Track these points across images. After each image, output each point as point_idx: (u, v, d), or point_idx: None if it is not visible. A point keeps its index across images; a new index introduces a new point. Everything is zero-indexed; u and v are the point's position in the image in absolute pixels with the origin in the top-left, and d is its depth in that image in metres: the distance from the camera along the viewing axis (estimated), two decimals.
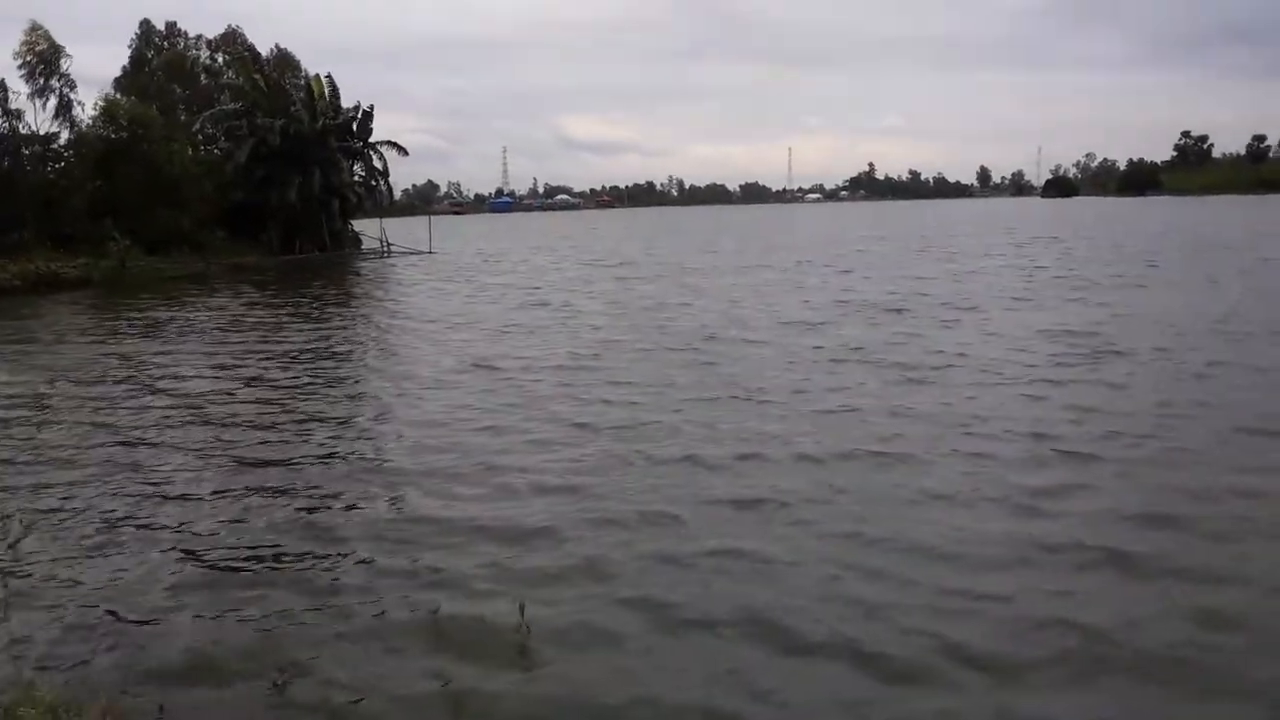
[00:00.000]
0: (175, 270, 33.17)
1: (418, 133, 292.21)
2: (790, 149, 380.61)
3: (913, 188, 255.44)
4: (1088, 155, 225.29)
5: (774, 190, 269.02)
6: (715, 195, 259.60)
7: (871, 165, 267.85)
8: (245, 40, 50.77)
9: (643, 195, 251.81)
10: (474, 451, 8.92)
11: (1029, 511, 6.81)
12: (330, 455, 9.06)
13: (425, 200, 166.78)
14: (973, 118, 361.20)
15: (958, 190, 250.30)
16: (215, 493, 7.96)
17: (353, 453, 9.16)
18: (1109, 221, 59.05)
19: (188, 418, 10.75)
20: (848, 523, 6.71)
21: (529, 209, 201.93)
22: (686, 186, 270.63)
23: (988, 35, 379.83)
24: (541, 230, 77.70)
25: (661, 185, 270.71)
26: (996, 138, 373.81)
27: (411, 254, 43.89)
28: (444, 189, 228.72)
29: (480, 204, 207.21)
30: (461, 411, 10.64)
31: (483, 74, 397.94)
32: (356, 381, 13.22)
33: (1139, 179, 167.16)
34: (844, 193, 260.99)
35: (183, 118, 45.44)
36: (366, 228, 46.40)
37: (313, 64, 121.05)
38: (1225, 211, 69.36)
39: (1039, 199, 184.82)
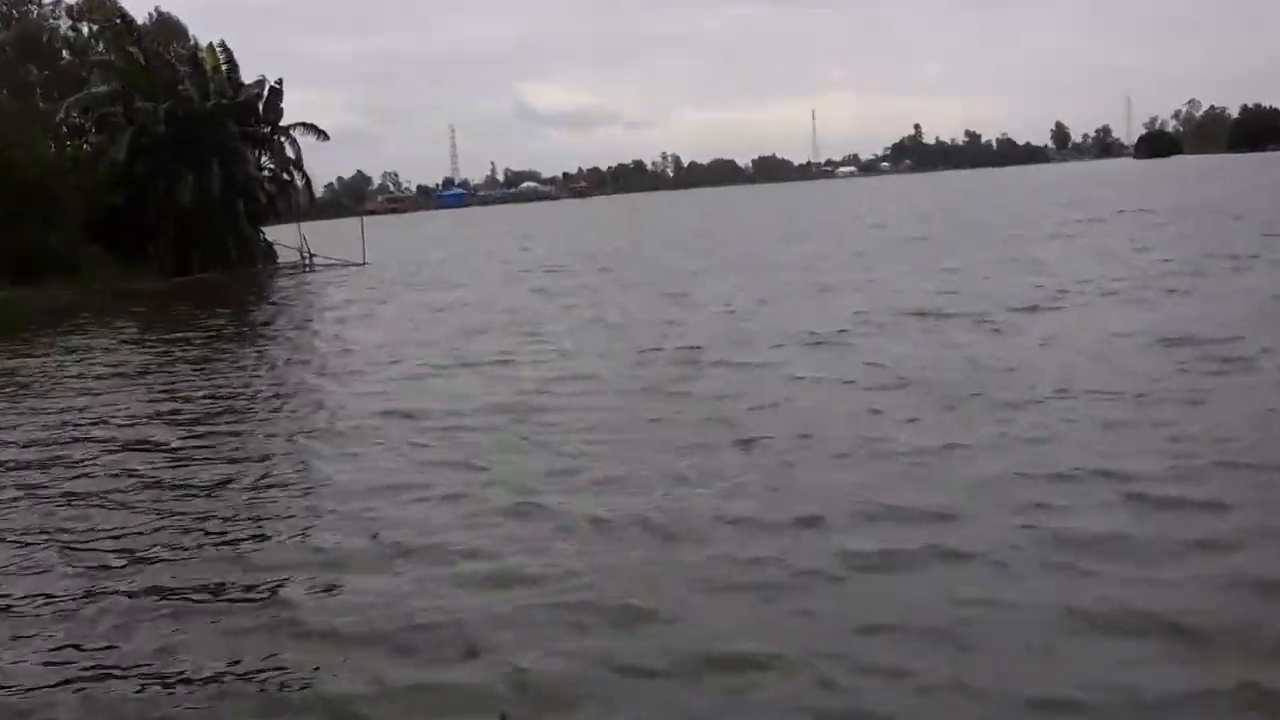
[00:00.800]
0: (40, 300, 31.76)
1: (343, 111, 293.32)
2: (813, 111, 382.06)
3: (971, 153, 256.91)
4: (1190, 103, 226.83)
5: (796, 165, 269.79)
6: (722, 174, 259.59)
7: (918, 128, 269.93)
8: (116, 5, 50.85)
9: (630, 178, 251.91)
10: (389, 527, 8.75)
11: None
12: (198, 544, 8.82)
13: (355, 197, 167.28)
14: (1041, 63, 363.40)
15: (1028, 155, 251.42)
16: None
17: (223, 536, 8.94)
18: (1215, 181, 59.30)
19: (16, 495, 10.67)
20: None
21: (487, 201, 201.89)
22: (685, 165, 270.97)
23: None
24: (500, 229, 77.66)
25: (654, 165, 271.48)
26: (1077, 90, 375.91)
27: (340, 267, 43.53)
28: (378, 181, 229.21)
29: (426, 198, 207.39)
30: (377, 476, 10.52)
31: (416, 33, 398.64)
32: (243, 444, 12.98)
33: (1255, 130, 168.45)
34: (885, 164, 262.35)
35: (41, 105, 45.29)
36: (283, 235, 45.86)
37: (203, 31, 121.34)
38: None
39: (1131, 160, 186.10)
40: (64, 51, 51.66)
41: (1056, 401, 11.23)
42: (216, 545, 8.66)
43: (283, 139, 45.12)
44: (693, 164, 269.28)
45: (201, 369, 18.64)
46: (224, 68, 43.33)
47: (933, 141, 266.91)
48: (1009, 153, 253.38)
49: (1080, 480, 8.51)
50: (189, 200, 39.62)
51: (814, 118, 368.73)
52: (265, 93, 44.47)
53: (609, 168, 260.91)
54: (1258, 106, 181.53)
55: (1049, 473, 8.73)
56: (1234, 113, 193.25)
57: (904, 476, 9.06)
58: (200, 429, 13.55)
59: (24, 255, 34.00)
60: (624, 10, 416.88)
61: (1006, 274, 23.77)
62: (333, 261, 44.54)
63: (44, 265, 34.54)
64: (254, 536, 8.85)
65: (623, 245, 46.23)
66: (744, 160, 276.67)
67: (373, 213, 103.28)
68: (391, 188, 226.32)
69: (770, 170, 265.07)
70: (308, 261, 44.58)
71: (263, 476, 10.79)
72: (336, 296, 32.59)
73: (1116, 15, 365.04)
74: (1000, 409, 11.11)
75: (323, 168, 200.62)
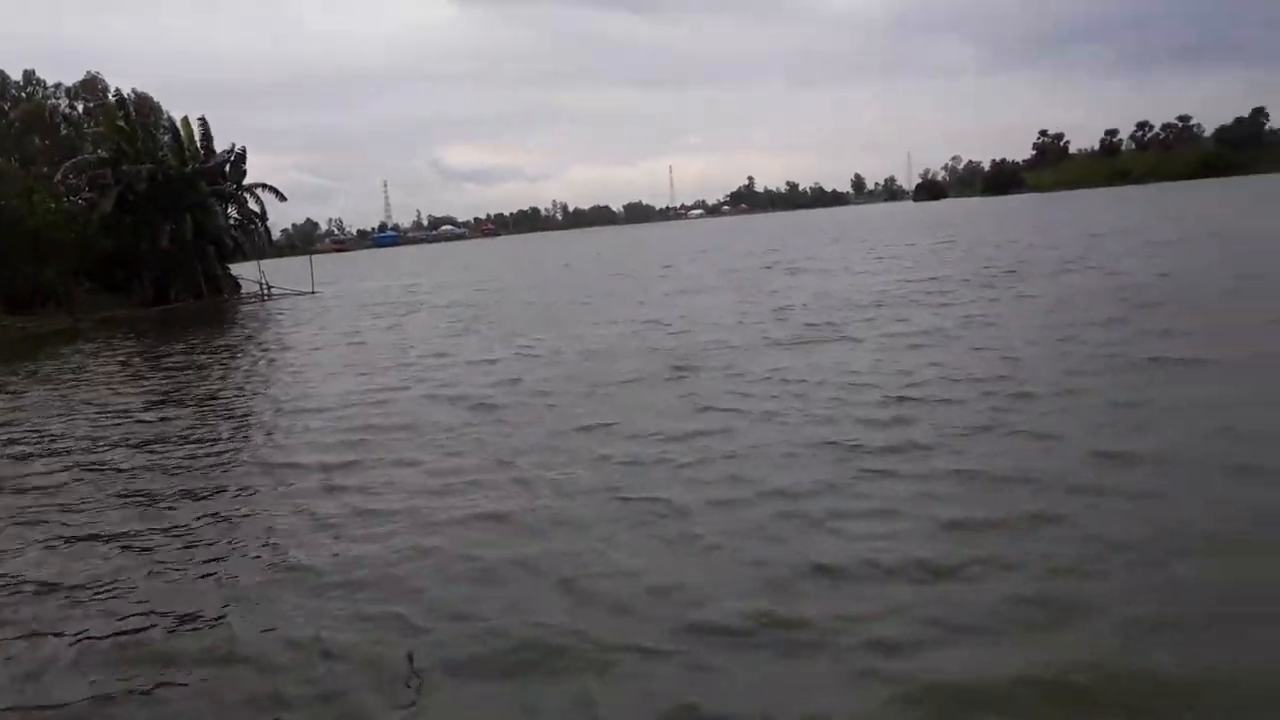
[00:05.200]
0: (40, 328, 31.87)
1: (295, 171, 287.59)
2: (671, 167, 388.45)
3: (791, 198, 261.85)
4: (954, 158, 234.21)
5: (658, 208, 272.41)
6: (600, 217, 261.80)
7: (750, 179, 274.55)
8: (105, 85, 49.18)
9: (526, 221, 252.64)
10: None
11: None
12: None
13: (306, 239, 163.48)
14: (842, 129, 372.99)
15: (834, 199, 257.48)
16: None
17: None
18: (964, 219, 61.58)
19: None
20: None
21: (414, 241, 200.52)
22: (570, 210, 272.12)
23: (843, 49, 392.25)
24: (416, 262, 77.18)
25: (546, 210, 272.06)
26: (867, 147, 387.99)
27: (293, 294, 43.15)
28: (325, 227, 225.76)
29: (364, 239, 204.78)
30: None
31: (358, 108, 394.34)
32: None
33: (1003, 178, 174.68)
34: (725, 207, 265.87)
35: (44, 169, 43.82)
36: (246, 270, 45.32)
37: (175, 106, 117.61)
38: (1078, 203, 73.17)
39: (910, 202, 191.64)
40: (62, 126, 49.81)
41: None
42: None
43: (247, 195, 44.37)
44: (577, 209, 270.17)
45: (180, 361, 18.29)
46: (199, 137, 42.46)
47: (762, 189, 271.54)
48: (820, 197, 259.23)
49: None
50: (167, 244, 38.80)
51: (671, 171, 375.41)
52: (232, 158, 43.68)
53: (511, 213, 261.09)
54: (1004, 160, 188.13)
55: None
56: (986, 165, 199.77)
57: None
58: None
59: (23, 289, 33.68)
60: (526, 90, 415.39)
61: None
62: (286, 291, 44.01)
63: (43, 298, 34.21)
64: None
65: (501, 275, 46.10)
66: (617, 206, 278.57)
67: (321, 252, 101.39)
68: (336, 231, 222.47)
69: (637, 213, 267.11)
70: (266, 292, 43.87)
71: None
72: (287, 314, 32.12)
73: (900, 91, 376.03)
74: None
75: (278, 216, 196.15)
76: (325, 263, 63.05)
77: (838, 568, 5.85)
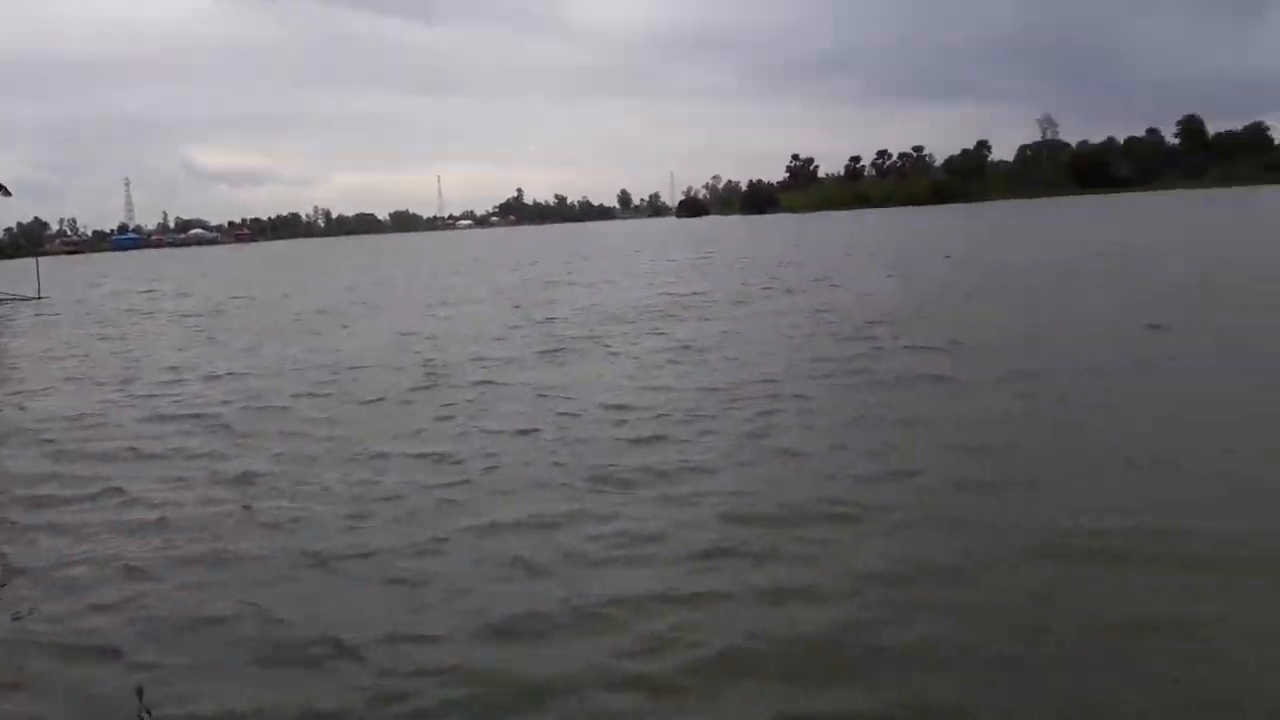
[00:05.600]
0: None
1: (20, 166, 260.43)
2: (439, 176, 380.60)
3: (560, 211, 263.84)
4: (714, 177, 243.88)
5: (426, 218, 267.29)
6: (365, 225, 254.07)
7: (520, 191, 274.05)
8: None
9: (286, 227, 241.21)
10: None
11: None
12: None
13: (34, 240, 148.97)
14: (610, 144, 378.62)
15: (601, 213, 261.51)
16: None
17: None
18: (686, 237, 63.78)
19: None
20: None
21: (159, 245, 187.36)
22: (334, 216, 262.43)
23: (611, 66, 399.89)
24: (159, 267, 71.79)
25: (307, 216, 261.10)
26: (634, 163, 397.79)
27: (13, 300, 38.83)
28: (56, 227, 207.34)
29: (102, 241, 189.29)
30: None
31: (98, 99, 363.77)
32: None
33: (759, 198, 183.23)
34: (495, 218, 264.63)
35: None
36: None
37: None
38: (824, 224, 77.55)
39: (673, 218, 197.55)
40: None
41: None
42: None
43: None
44: (341, 216, 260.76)
45: None
46: None
47: (531, 202, 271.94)
48: (587, 211, 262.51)
49: None
50: None
51: (439, 181, 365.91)
52: None
53: (270, 218, 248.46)
54: (760, 181, 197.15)
55: None
56: (744, 185, 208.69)
57: None
58: None
59: None
60: (288, 91, 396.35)
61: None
62: (5, 296, 39.56)
63: None
64: None
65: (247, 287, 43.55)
66: (384, 214, 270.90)
67: (50, 254, 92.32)
68: (69, 232, 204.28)
69: (404, 222, 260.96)
70: None
71: None
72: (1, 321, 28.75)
73: (659, 111, 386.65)
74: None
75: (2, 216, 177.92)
76: (55, 266, 57.40)
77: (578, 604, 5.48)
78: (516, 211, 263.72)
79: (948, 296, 20.00)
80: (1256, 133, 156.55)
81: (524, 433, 9.61)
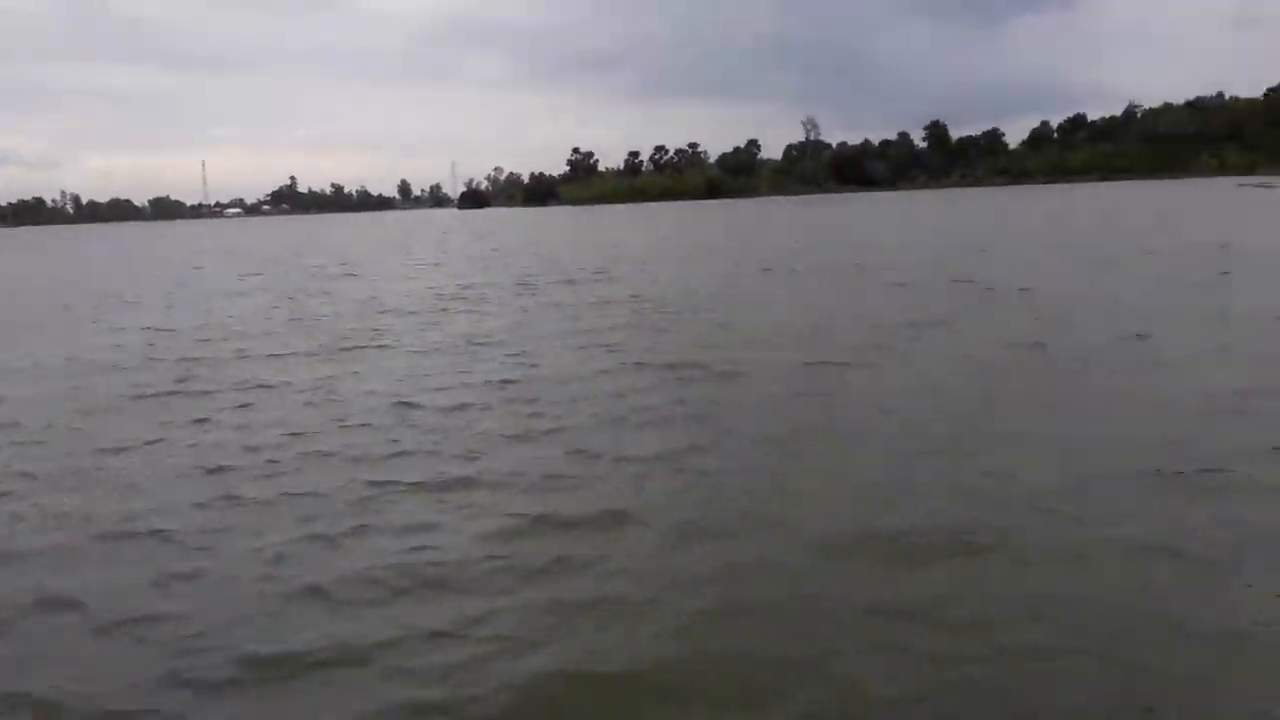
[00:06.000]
0: None
1: None
2: (204, 162, 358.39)
3: (337, 201, 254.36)
4: (496, 169, 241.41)
5: (190, 205, 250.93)
6: (121, 212, 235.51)
7: (294, 179, 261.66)
8: None
9: (29, 213, 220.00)
10: None
11: None
12: None
13: None
14: (390, 132, 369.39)
15: (381, 203, 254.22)
16: None
17: None
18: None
19: None
20: None
21: None
22: (85, 203, 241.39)
23: (394, 52, 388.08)
24: None
25: (54, 201, 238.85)
26: (415, 152, 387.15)
27: None
28: None
29: None
30: None
31: None
32: None
33: (541, 191, 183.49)
34: (266, 207, 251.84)
35: None
36: None
37: None
38: (607, 217, 78.36)
39: (457, 210, 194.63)
40: None
41: None
42: None
43: None
44: (93, 203, 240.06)
45: None
46: None
47: (306, 190, 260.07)
48: (366, 201, 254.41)
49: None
50: None
51: (204, 166, 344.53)
52: None
53: (11, 203, 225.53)
54: (542, 174, 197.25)
55: None
56: (526, 178, 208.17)
57: None
58: None
59: None
60: (30, 64, 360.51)
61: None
62: None
63: None
64: None
65: None
66: (141, 200, 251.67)
67: None
68: None
69: (166, 209, 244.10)
70: None
71: None
72: None
73: (447, 100, 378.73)
74: None
75: None
76: None
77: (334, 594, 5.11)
78: (290, 200, 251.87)
79: (723, 293, 20.53)
80: (993, 139, 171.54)
81: (296, 435, 9.01)
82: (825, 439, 8.26)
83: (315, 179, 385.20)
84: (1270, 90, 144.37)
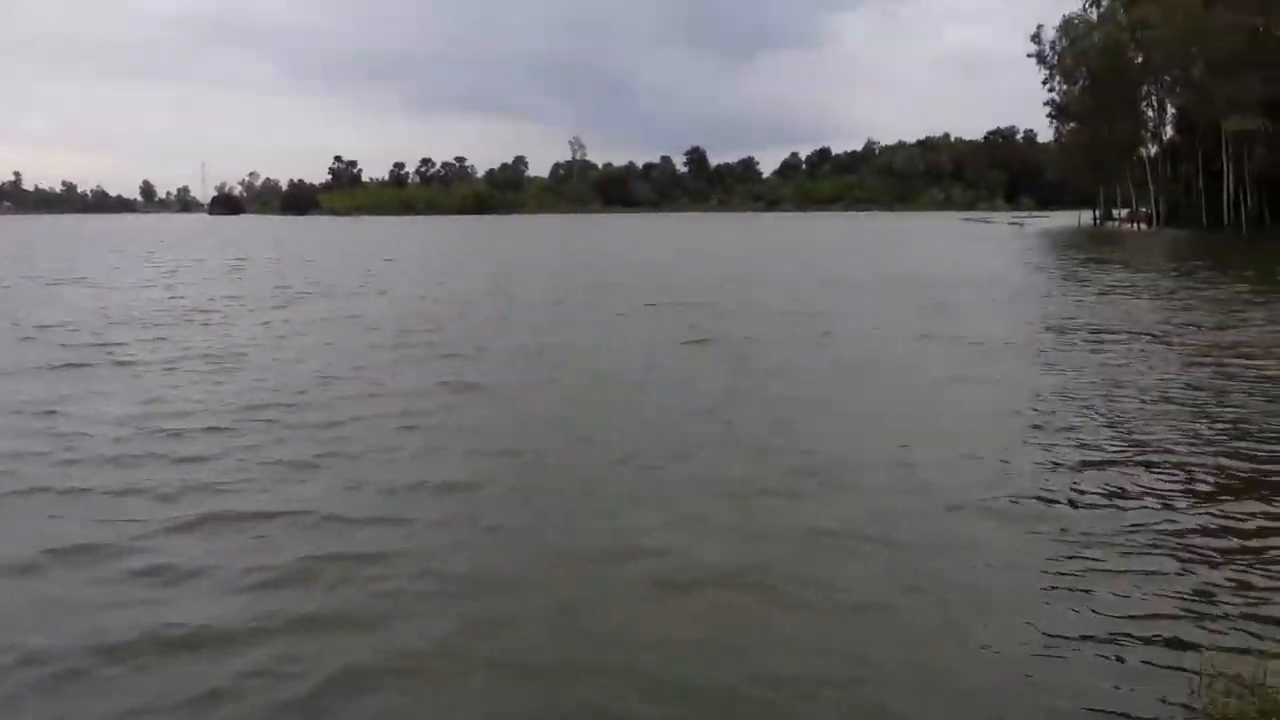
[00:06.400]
0: None
1: None
2: None
3: (69, 200, 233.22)
4: (251, 174, 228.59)
5: None
6: None
7: (18, 175, 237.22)
8: None
9: None
10: None
11: None
12: None
13: None
14: (131, 129, 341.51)
15: (121, 205, 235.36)
16: None
17: None
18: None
19: None
20: None
21: None
22: None
23: (133, 40, 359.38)
24: None
25: None
26: (160, 152, 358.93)
27: None
28: None
29: None
30: None
31: None
32: None
33: (301, 199, 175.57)
34: None
35: None
36: None
37: None
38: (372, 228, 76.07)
39: (207, 215, 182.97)
40: None
41: None
42: None
43: None
44: None
45: None
46: None
47: (33, 188, 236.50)
48: (104, 202, 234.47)
49: None
50: None
51: None
52: None
53: None
54: (301, 182, 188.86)
55: None
56: (284, 184, 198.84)
57: None
58: None
59: None
60: None
61: None
62: None
63: None
64: None
65: None
66: None
67: None
68: None
69: None
70: None
71: None
72: None
73: (189, 97, 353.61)
74: None
75: None
76: None
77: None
78: (13, 198, 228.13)
79: (495, 304, 20.50)
80: (748, 166, 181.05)
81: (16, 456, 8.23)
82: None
83: (44, 176, 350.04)
84: (990, 133, 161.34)
